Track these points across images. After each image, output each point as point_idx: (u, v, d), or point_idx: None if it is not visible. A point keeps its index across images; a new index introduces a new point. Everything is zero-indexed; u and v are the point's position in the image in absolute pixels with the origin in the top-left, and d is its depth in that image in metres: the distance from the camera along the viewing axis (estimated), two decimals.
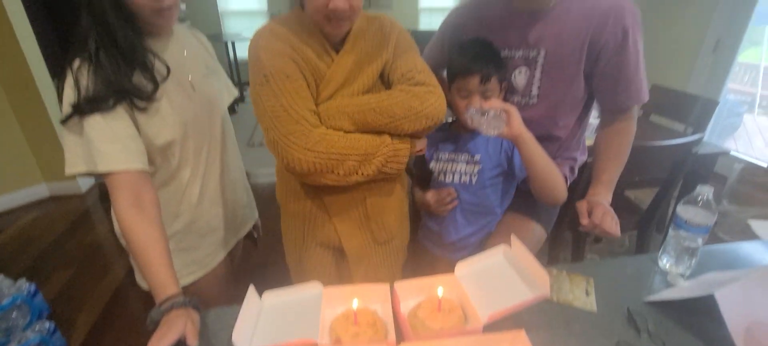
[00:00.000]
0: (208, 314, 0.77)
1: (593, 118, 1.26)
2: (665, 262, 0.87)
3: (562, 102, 1.00)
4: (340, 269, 1.04)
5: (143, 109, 0.79)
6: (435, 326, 0.64)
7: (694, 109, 1.95)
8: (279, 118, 0.80)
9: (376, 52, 0.89)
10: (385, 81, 0.92)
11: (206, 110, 0.93)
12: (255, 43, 0.86)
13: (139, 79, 0.79)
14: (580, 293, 0.80)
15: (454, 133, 1.06)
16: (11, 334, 1.44)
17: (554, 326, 0.73)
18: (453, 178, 1.03)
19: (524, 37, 0.98)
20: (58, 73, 0.77)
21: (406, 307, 0.72)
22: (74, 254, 2.22)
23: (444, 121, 1.10)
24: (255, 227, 1.22)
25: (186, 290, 0.84)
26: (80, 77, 0.74)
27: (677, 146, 1.43)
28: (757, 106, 4.09)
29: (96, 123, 0.74)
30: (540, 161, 0.90)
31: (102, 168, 0.74)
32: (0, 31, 2.36)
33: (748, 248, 0.94)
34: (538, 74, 0.99)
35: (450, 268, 0.76)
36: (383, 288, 0.74)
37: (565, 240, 1.84)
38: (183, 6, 4.62)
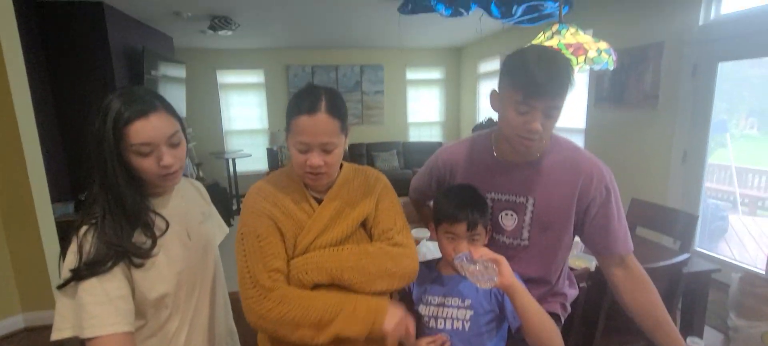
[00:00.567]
0: None
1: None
2: None
3: (554, 248, 1.04)
4: None
5: (140, 266, 0.81)
6: None
7: (676, 223, 2.00)
8: (243, 280, 0.87)
9: (358, 203, 0.95)
10: (367, 230, 0.97)
11: (200, 256, 0.95)
12: (244, 202, 0.94)
13: (138, 237, 0.82)
14: None
15: (442, 276, 1.05)
16: None
17: None
18: (445, 324, 0.99)
19: (512, 184, 1.03)
20: (66, 236, 0.79)
21: None
22: None
23: (430, 259, 1.12)
24: None
25: None
26: (84, 243, 0.77)
27: (668, 266, 1.45)
28: (739, 205, 4.22)
29: (90, 286, 0.75)
30: (534, 312, 0.89)
31: (88, 333, 0.73)
32: (11, 159, 2.46)
33: None
34: (527, 220, 1.03)
35: None
36: None
37: None
38: (188, 159, 4.93)
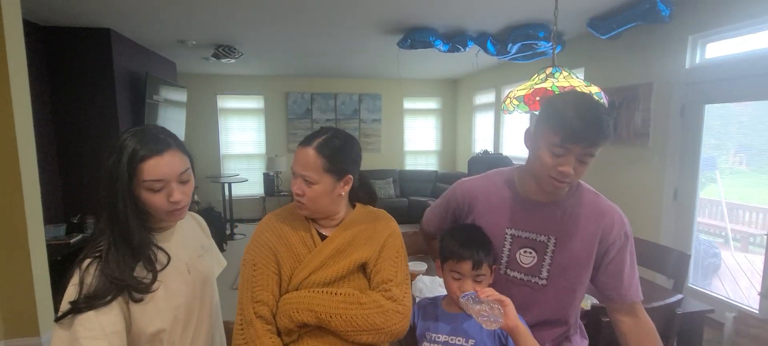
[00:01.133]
0: None
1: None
2: None
3: (572, 290, 1.04)
4: None
5: (139, 300, 0.81)
6: None
7: (669, 261, 2.03)
8: (238, 302, 0.95)
9: (361, 246, 0.97)
10: (366, 275, 0.98)
11: (198, 290, 0.96)
12: (254, 232, 0.99)
13: (140, 271, 0.83)
14: None
15: (447, 313, 1.05)
16: None
17: None
18: None
19: (534, 222, 1.03)
20: (65, 262, 0.81)
21: None
22: None
23: (436, 296, 1.13)
24: None
25: None
26: (86, 276, 0.78)
27: (662, 307, 1.46)
28: (731, 241, 4.25)
29: (87, 319, 0.76)
30: None
31: None
32: (7, 182, 2.45)
33: None
34: (548, 259, 1.02)
35: None
36: None
37: None
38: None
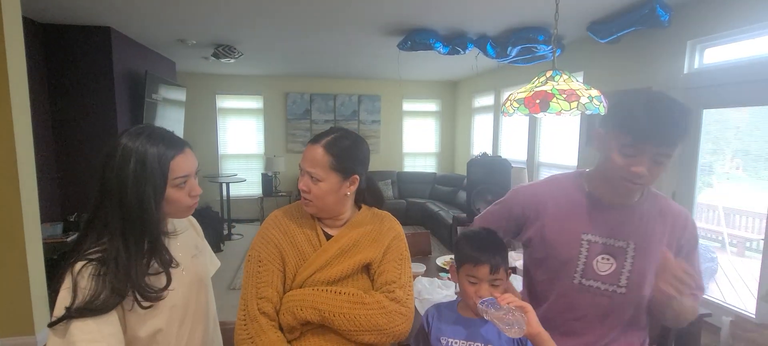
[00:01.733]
0: None
1: None
2: None
3: (648, 296, 1.00)
4: None
5: (148, 308, 0.81)
6: None
7: None
8: (240, 299, 0.95)
9: (365, 247, 0.97)
10: (370, 275, 0.99)
11: (194, 289, 0.95)
12: (260, 228, 1.00)
13: (152, 279, 0.82)
14: None
15: (462, 318, 1.04)
16: None
17: None
18: None
19: (610, 227, 0.98)
20: (55, 276, 0.80)
21: None
22: None
23: (451, 301, 1.12)
24: None
25: None
26: (80, 280, 0.76)
27: None
28: (727, 245, 4.27)
29: (84, 324, 0.74)
30: None
31: None
32: (5, 180, 2.44)
33: None
34: (628, 266, 0.98)
35: None
36: None
37: None
38: None
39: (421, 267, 1.96)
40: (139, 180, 0.80)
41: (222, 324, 1.21)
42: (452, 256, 1.23)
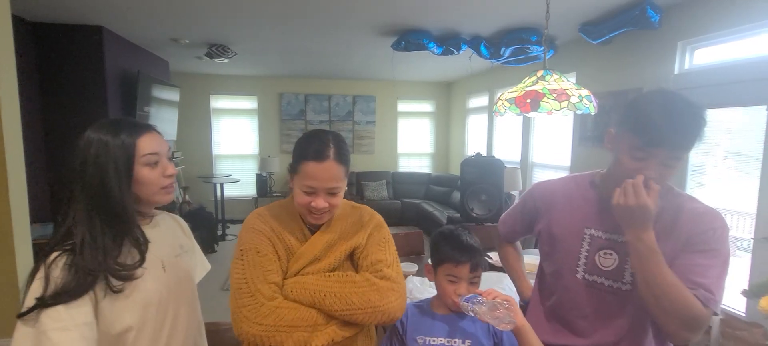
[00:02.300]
0: None
1: None
2: None
3: None
4: None
5: (119, 290, 0.79)
6: None
7: None
8: (239, 291, 0.88)
9: (349, 236, 0.98)
10: (354, 263, 0.99)
11: (174, 289, 0.93)
12: (244, 224, 0.98)
13: (124, 257, 0.82)
14: None
15: (440, 315, 1.05)
16: None
17: None
18: None
19: (614, 222, 0.94)
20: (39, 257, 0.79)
21: None
22: None
23: (422, 299, 1.13)
24: None
25: None
26: (53, 270, 0.75)
27: None
28: None
29: (55, 312, 0.73)
30: None
31: None
32: None
33: None
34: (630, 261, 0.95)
35: None
36: None
37: None
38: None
39: (413, 267, 1.96)
40: (101, 162, 0.81)
41: (215, 325, 1.20)
42: None
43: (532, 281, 1.24)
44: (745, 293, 0.89)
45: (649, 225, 0.85)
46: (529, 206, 1.16)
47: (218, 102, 6.16)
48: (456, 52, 3.75)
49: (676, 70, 2.92)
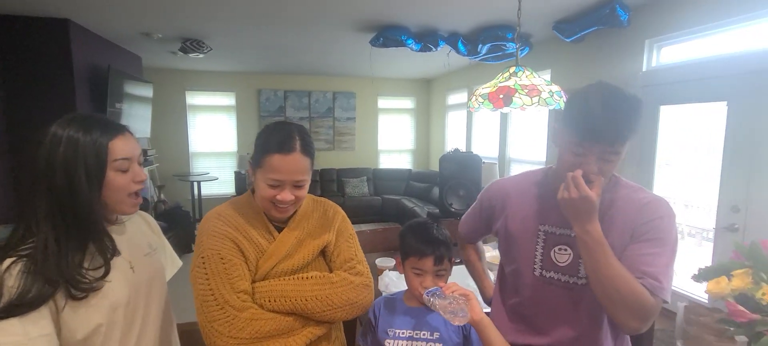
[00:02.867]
0: None
1: None
2: None
3: None
4: None
5: (82, 298, 0.76)
6: None
7: None
8: (207, 303, 0.85)
9: (318, 233, 1.00)
10: (327, 259, 1.01)
11: (143, 290, 0.90)
12: (201, 227, 0.94)
13: (89, 263, 0.78)
14: None
15: (408, 308, 1.06)
16: None
17: None
18: None
19: (565, 217, 0.93)
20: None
21: None
22: None
23: (395, 292, 1.14)
24: None
25: None
26: (7, 278, 0.71)
27: None
28: (686, 236, 4.51)
29: (9, 325, 0.69)
30: (498, 345, 0.90)
31: None
32: None
33: None
34: None
35: None
36: None
37: None
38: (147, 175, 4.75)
39: (390, 261, 1.97)
40: (70, 163, 0.76)
41: (190, 325, 1.17)
42: None
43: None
44: (694, 277, 0.93)
45: (594, 217, 0.85)
46: (485, 204, 1.16)
47: (194, 98, 6.01)
48: (434, 49, 3.78)
49: (644, 68, 3.03)
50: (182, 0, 2.88)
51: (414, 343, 1.00)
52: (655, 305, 0.84)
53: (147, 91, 4.73)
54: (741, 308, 0.83)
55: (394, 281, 1.70)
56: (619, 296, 0.83)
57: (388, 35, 3.52)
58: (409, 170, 6.59)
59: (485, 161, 3.98)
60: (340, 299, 0.93)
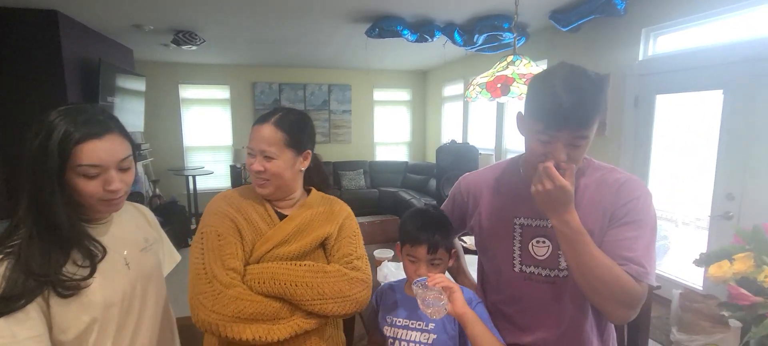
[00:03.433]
0: None
1: None
2: None
3: None
4: None
5: (67, 296, 0.73)
6: None
7: None
8: (197, 277, 0.87)
9: (319, 225, 0.98)
10: (326, 253, 1.00)
11: (140, 287, 0.88)
12: (208, 207, 0.98)
13: (71, 266, 0.75)
14: None
15: (406, 297, 1.05)
16: None
17: None
18: None
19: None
20: None
21: None
22: None
23: (397, 280, 1.14)
24: None
25: None
26: None
27: None
28: (681, 224, 4.56)
29: None
30: (487, 342, 0.88)
31: None
32: None
33: None
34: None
35: None
36: None
37: None
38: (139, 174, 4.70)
39: (388, 252, 1.97)
40: (38, 159, 0.72)
41: (188, 319, 1.15)
42: None
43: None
44: (696, 262, 0.93)
45: (571, 206, 0.81)
46: (457, 200, 1.11)
47: (187, 92, 5.94)
48: (430, 40, 3.75)
49: (641, 57, 3.02)
50: None
51: (408, 332, 1.00)
52: (642, 291, 0.81)
53: (139, 84, 4.66)
54: (743, 291, 0.83)
55: (393, 272, 1.70)
56: (603, 286, 0.81)
57: (383, 26, 3.49)
58: (406, 162, 6.58)
59: (482, 152, 3.98)
60: (332, 289, 0.89)
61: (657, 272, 3.24)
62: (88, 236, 0.79)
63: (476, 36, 3.59)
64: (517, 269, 0.97)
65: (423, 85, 6.91)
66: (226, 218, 0.93)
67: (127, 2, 3.08)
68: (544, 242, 0.93)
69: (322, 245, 0.99)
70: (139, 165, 4.51)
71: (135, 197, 3.67)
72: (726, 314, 0.93)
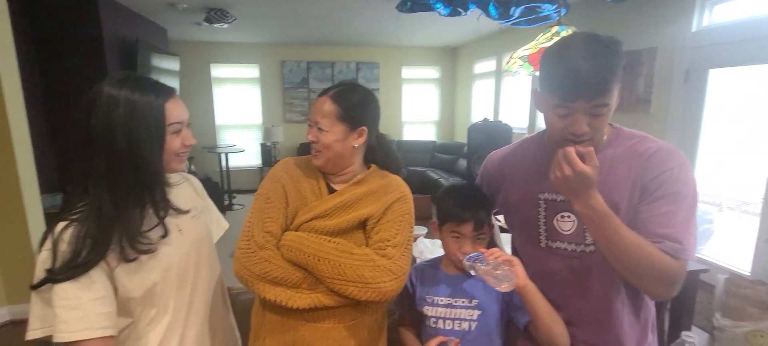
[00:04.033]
0: None
1: None
2: None
3: None
4: None
5: (133, 259, 0.77)
6: None
7: None
8: (243, 232, 0.94)
9: (365, 204, 0.96)
10: (366, 234, 0.96)
11: (193, 252, 0.92)
12: (271, 169, 1.04)
13: (148, 224, 0.80)
14: None
15: (447, 275, 1.04)
16: None
17: None
18: (452, 325, 0.98)
19: None
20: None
21: None
22: None
23: (433, 258, 1.12)
24: None
25: None
26: (60, 242, 0.73)
27: None
28: (726, 208, 4.31)
29: (62, 290, 0.72)
30: (545, 312, 0.88)
31: (58, 338, 0.71)
32: (1, 151, 2.40)
33: None
34: None
35: None
36: None
37: None
38: None
39: (422, 229, 1.96)
40: (130, 125, 0.75)
41: (236, 289, 1.20)
42: None
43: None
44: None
45: (594, 190, 0.77)
46: (484, 179, 1.09)
47: (219, 71, 6.05)
48: (464, 13, 3.61)
49: (694, 28, 2.81)
50: None
51: (452, 310, 0.99)
52: (680, 268, 0.77)
53: (174, 64, 4.78)
54: None
55: (428, 248, 1.69)
56: (636, 265, 0.78)
57: (415, 0, 3.39)
58: (434, 142, 6.50)
59: (515, 131, 3.86)
60: (353, 272, 0.86)
61: (703, 257, 3.10)
62: (167, 199, 0.85)
63: (513, 9, 3.43)
64: (543, 245, 0.95)
65: (453, 63, 6.74)
66: (279, 183, 0.97)
67: None
68: (569, 217, 0.91)
69: (364, 225, 0.96)
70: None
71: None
72: None
